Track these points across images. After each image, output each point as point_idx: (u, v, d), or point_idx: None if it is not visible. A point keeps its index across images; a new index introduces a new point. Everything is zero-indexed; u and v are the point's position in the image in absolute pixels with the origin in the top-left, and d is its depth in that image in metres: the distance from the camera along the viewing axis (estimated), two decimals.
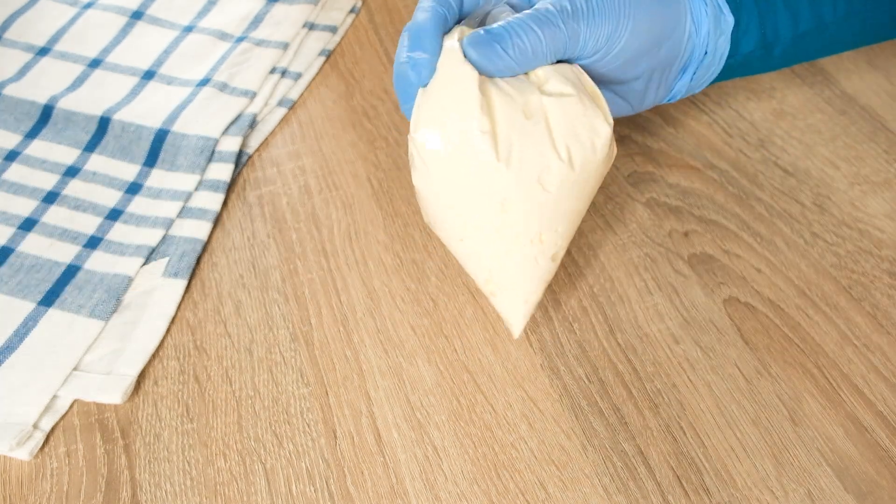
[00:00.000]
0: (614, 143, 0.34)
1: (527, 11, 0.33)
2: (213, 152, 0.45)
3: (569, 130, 0.32)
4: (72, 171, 0.45)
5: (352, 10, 0.55)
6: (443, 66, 0.32)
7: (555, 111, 0.32)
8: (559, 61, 0.34)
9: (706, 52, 0.37)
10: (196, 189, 0.44)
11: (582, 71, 0.34)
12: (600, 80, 0.36)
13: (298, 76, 0.51)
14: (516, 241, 0.33)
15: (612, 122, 0.33)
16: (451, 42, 0.33)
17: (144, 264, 0.40)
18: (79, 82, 0.49)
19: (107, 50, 0.51)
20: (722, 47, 0.37)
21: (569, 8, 0.32)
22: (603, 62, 0.34)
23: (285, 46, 0.51)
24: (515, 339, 0.37)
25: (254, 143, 0.47)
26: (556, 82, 0.33)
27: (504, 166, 0.31)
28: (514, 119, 0.32)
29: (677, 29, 0.35)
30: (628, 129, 0.47)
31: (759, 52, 0.38)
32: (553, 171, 0.32)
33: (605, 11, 0.33)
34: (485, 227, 0.33)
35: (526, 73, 0.33)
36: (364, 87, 0.50)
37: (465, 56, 0.32)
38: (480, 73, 0.32)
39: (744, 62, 0.39)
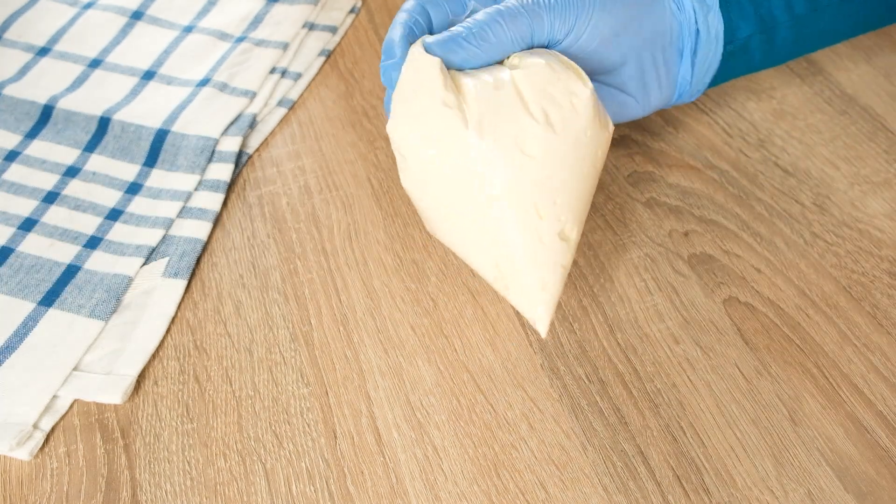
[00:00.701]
0: (606, 113, 0.33)
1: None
2: (213, 152, 0.45)
3: (542, 94, 0.31)
4: (72, 171, 0.45)
5: (352, 10, 0.55)
6: (407, 65, 0.33)
7: (524, 80, 0.32)
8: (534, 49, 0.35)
9: (698, 31, 0.36)
10: (196, 189, 0.44)
11: (557, 53, 0.34)
12: (588, 70, 0.36)
13: (298, 76, 0.51)
14: (511, 218, 0.32)
15: (591, 85, 0.32)
16: (416, 45, 0.33)
17: (144, 264, 0.40)
18: (79, 82, 0.49)
19: (107, 50, 0.51)
20: (715, 25, 0.36)
21: None
22: (578, 44, 0.34)
23: (285, 46, 0.51)
24: (543, 338, 0.36)
25: (254, 143, 0.47)
26: (528, 60, 0.33)
27: (476, 135, 0.31)
28: (483, 92, 0.31)
29: (654, 3, 0.35)
30: (628, 129, 0.47)
31: (758, 36, 0.38)
32: (530, 133, 0.31)
33: None
34: (475, 210, 0.32)
35: (501, 63, 0.33)
36: (364, 87, 0.50)
37: (428, 52, 0.33)
38: (449, 67, 0.32)
39: (744, 48, 0.38)
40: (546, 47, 0.34)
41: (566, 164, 0.32)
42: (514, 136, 0.31)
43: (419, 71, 0.32)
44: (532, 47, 0.34)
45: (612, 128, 0.33)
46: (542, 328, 0.33)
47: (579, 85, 0.32)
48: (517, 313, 0.38)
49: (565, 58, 0.33)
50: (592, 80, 0.37)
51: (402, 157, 0.33)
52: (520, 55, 0.33)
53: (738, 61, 0.39)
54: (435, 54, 0.32)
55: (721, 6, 0.37)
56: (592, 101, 0.32)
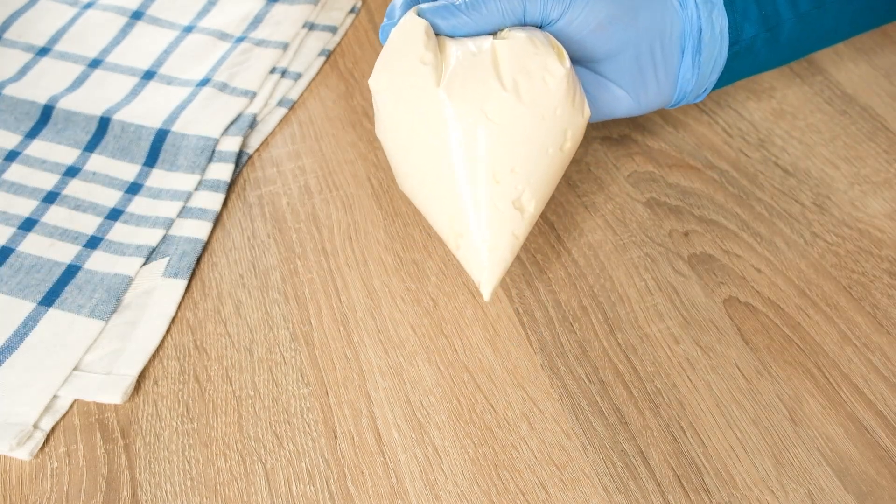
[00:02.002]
0: (584, 100, 0.34)
1: None
2: (213, 152, 0.45)
3: (516, 65, 0.32)
4: (72, 171, 0.45)
5: (352, 10, 0.55)
6: (398, 26, 0.34)
7: (503, 50, 0.33)
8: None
9: (701, 29, 0.36)
10: (196, 189, 0.44)
11: (547, 32, 0.34)
12: (581, 56, 0.36)
13: (298, 76, 0.51)
14: (469, 178, 0.33)
15: (568, 65, 0.33)
16: (411, 10, 0.35)
17: (144, 264, 0.40)
18: (79, 82, 0.49)
19: (107, 50, 0.51)
20: (719, 22, 0.36)
21: None
22: (572, 27, 0.34)
23: (285, 46, 0.51)
24: (486, 301, 0.37)
25: (254, 143, 0.47)
26: (512, 33, 0.34)
27: (444, 93, 0.32)
28: (462, 57, 0.33)
29: None
30: (628, 129, 0.47)
31: (763, 34, 0.38)
32: (496, 98, 0.32)
33: None
34: (437, 166, 0.33)
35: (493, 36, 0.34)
36: (364, 87, 0.50)
37: (420, 16, 0.34)
38: (438, 33, 0.34)
39: (750, 48, 0.38)
40: (539, 27, 0.35)
41: (529, 135, 0.33)
42: (480, 99, 0.32)
43: (406, 31, 0.33)
44: (525, 25, 0.35)
45: (587, 114, 0.34)
46: (486, 291, 0.34)
47: (556, 63, 0.33)
48: (517, 312, 0.38)
49: (552, 38, 0.34)
50: (586, 67, 0.37)
51: (378, 108, 0.35)
52: (509, 29, 0.34)
53: (743, 61, 0.39)
54: (426, 17, 0.34)
55: (725, 5, 0.37)
56: (566, 81, 0.33)
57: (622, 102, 0.38)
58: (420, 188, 0.35)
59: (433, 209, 0.34)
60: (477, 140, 0.32)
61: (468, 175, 0.32)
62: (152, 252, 0.41)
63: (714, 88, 0.40)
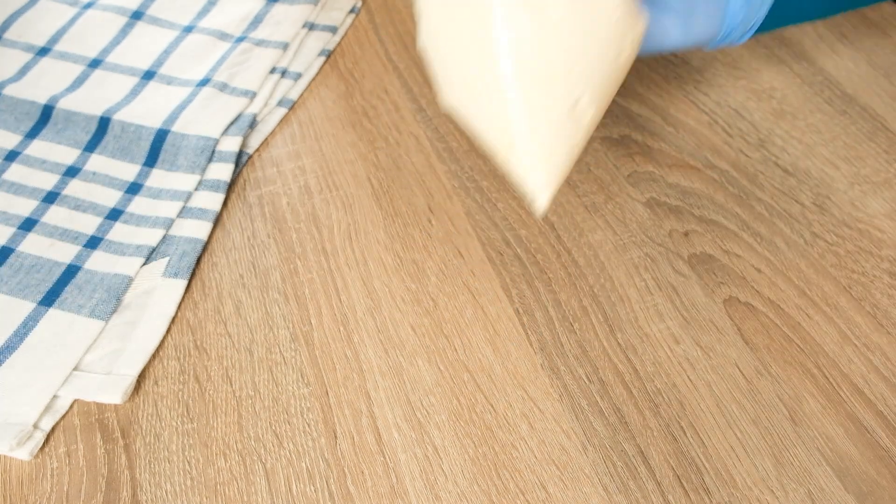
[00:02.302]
0: (641, 10, 0.31)
1: None
2: (213, 152, 0.45)
3: None
4: (72, 171, 0.45)
5: (352, 10, 0.55)
6: None
7: None
8: None
9: None
10: (196, 189, 0.44)
11: None
12: None
13: (298, 76, 0.51)
14: (522, 82, 0.30)
15: None
16: None
17: (144, 264, 0.40)
18: (79, 82, 0.49)
19: (107, 50, 0.51)
20: None
21: None
22: None
23: (285, 46, 0.51)
24: (539, 216, 0.34)
25: (254, 143, 0.47)
26: None
27: None
28: None
29: None
30: (628, 129, 0.47)
31: None
32: None
33: None
34: (487, 71, 0.31)
35: None
36: (364, 87, 0.50)
37: None
38: None
39: None
40: None
41: (587, 37, 0.30)
42: None
43: None
44: None
45: (643, 26, 0.32)
46: (542, 200, 0.32)
47: None
48: (517, 312, 0.38)
49: None
50: None
51: (422, 14, 0.32)
52: None
53: (790, 3, 0.38)
54: None
55: None
56: (620, 2, 0.31)
57: (670, 33, 0.37)
58: (468, 97, 0.32)
59: (482, 119, 0.32)
60: (531, 40, 0.29)
61: (521, 79, 0.30)
62: (152, 252, 0.41)
63: (757, 32, 0.38)
